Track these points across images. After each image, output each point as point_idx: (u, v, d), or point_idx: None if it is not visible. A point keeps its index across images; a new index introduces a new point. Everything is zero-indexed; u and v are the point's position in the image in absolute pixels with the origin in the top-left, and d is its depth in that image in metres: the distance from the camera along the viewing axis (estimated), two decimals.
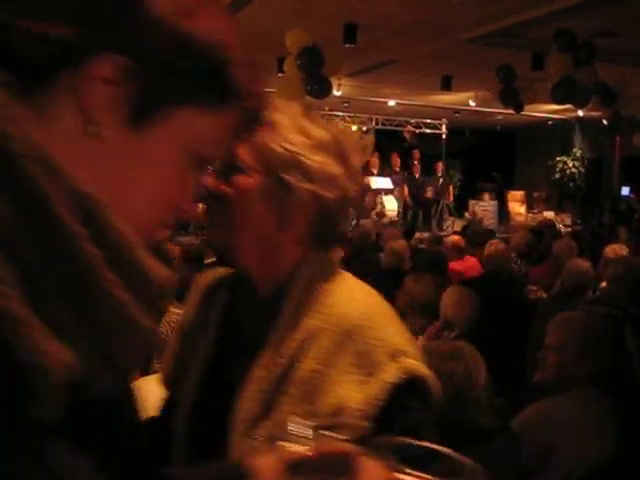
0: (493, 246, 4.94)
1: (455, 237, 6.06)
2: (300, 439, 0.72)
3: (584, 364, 2.15)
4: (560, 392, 2.19)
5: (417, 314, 3.71)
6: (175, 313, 3.56)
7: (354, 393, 0.91)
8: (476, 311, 3.25)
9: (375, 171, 12.81)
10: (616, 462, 2.03)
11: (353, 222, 11.70)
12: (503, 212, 13.76)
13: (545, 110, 13.12)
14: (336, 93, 9.44)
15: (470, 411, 1.67)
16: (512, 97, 8.27)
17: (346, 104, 12.18)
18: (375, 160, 13.03)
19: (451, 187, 14.05)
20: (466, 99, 11.51)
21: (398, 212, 12.00)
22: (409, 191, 13.19)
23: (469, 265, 5.58)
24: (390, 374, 0.92)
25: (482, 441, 1.68)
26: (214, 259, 5.82)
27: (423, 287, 3.76)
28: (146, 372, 3.41)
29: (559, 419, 2.09)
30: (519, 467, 1.75)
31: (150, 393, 3.20)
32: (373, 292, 1.05)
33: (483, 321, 3.28)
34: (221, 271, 1.17)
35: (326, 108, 12.20)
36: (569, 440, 2.03)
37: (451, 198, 13.77)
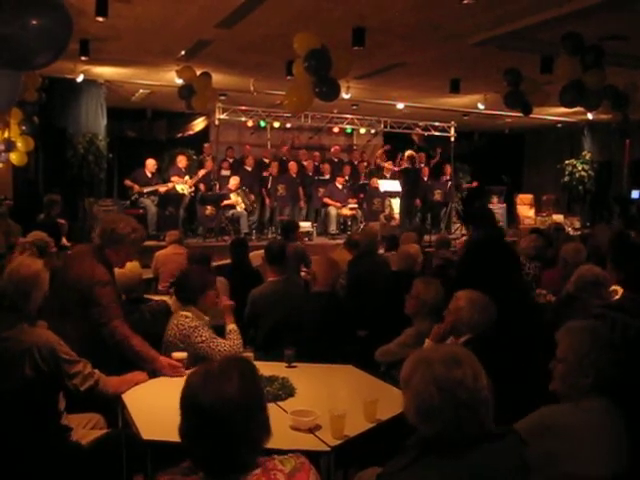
0: None
1: None
2: None
3: (586, 374, 2.12)
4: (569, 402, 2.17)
5: (425, 317, 3.72)
6: (184, 316, 3.55)
7: None
8: (492, 315, 3.22)
9: (389, 175, 12.73)
10: (624, 477, 2.01)
11: (361, 225, 11.72)
12: (512, 215, 13.72)
13: (554, 113, 13.08)
14: (345, 96, 9.44)
15: (481, 412, 1.67)
16: (518, 100, 8.24)
17: (355, 107, 12.19)
18: (389, 164, 12.97)
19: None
20: (475, 102, 11.48)
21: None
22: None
23: None
24: None
25: (488, 442, 1.67)
26: (228, 261, 5.86)
27: (431, 290, 3.77)
28: (154, 374, 3.41)
29: (559, 426, 2.06)
30: (523, 467, 1.74)
31: (157, 393, 3.22)
32: None
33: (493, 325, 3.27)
34: None
35: (335, 111, 12.24)
36: (569, 449, 2.01)
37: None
